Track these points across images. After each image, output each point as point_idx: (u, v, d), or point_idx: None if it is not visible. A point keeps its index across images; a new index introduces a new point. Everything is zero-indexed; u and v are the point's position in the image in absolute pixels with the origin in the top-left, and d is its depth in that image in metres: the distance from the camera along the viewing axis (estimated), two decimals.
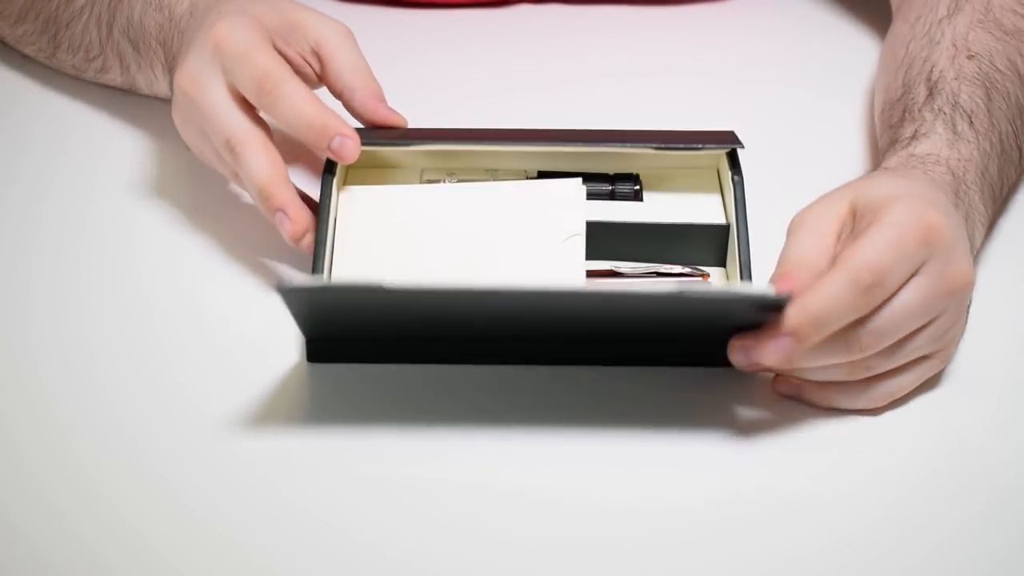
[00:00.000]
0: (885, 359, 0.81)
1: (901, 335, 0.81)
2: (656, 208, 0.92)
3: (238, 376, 0.86)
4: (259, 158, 0.88)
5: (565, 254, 0.88)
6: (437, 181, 0.92)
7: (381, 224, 0.89)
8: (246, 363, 0.86)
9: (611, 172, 0.93)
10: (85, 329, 0.89)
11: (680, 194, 0.93)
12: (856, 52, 1.15)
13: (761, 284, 0.82)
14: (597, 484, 0.80)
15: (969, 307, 0.85)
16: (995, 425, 0.84)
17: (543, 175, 0.93)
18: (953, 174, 0.88)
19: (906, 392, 0.83)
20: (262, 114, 0.90)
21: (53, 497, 0.78)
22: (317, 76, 0.93)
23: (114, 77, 1.03)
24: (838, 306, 0.77)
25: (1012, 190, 0.97)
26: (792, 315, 0.77)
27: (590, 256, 0.90)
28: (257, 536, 0.77)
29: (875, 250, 0.78)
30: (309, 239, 0.88)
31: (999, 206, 0.94)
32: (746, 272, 0.87)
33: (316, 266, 0.87)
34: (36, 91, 1.10)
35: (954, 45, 0.96)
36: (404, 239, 0.88)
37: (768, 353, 0.78)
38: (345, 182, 0.92)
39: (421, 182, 0.93)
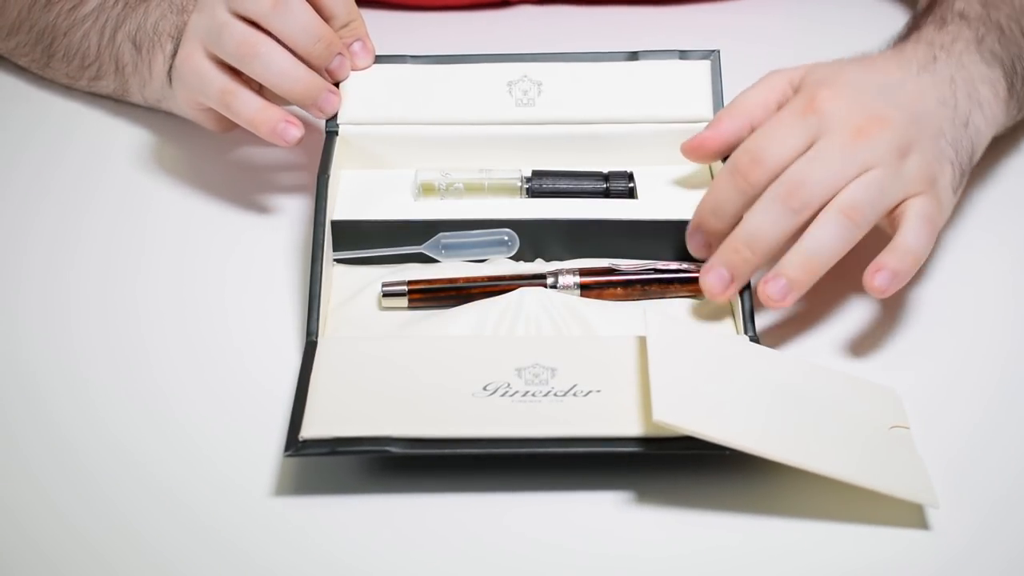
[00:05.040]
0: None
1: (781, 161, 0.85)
2: (650, 205, 0.92)
3: (238, 378, 0.86)
4: (278, 51, 0.92)
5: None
6: (432, 181, 0.93)
7: None
8: (243, 368, 0.87)
9: (606, 171, 0.94)
10: (81, 332, 0.89)
11: (673, 190, 0.93)
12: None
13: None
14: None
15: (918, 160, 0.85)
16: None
17: (536, 174, 0.93)
18: (929, 45, 0.92)
19: (829, 252, 0.83)
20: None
21: (54, 495, 0.79)
22: None
23: (107, 84, 1.05)
24: (722, 193, 0.86)
25: None
26: (694, 215, 0.88)
27: (585, 254, 0.91)
28: (260, 534, 0.77)
29: (754, 136, 0.87)
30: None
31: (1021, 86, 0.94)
32: None
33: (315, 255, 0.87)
34: (35, 92, 1.10)
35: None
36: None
37: (693, 247, 0.88)
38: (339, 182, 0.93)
39: (417, 181, 0.93)
